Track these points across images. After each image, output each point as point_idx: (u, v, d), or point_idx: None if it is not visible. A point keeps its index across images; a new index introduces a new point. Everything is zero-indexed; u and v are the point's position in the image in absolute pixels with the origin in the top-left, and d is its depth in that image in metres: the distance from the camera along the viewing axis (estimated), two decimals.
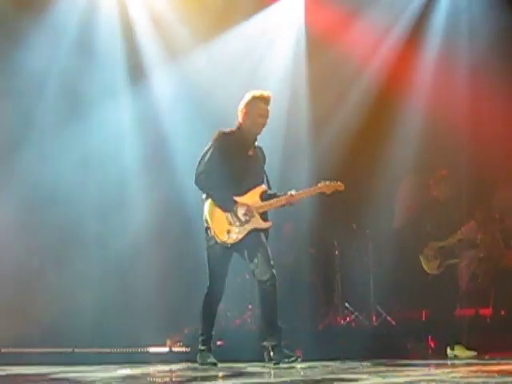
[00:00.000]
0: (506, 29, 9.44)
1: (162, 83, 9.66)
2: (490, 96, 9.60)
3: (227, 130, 6.49)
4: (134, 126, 9.47)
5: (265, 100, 6.47)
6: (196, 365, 6.28)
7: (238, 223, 6.25)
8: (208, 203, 6.32)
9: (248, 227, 6.26)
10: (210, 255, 6.37)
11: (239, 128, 6.50)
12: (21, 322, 8.41)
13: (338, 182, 6.54)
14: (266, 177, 6.57)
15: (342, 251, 9.90)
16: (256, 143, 6.57)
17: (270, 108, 6.49)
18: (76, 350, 8.18)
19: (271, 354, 6.15)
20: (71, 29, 9.18)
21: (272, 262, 6.24)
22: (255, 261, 6.21)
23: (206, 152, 6.38)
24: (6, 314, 8.43)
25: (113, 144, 9.21)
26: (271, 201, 6.42)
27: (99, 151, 9.15)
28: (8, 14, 8.78)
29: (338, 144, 9.91)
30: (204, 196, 6.38)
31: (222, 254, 6.30)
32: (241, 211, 6.24)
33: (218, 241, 6.23)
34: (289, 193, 6.42)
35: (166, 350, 8.41)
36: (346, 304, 9.65)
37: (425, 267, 8.40)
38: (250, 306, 9.23)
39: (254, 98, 6.46)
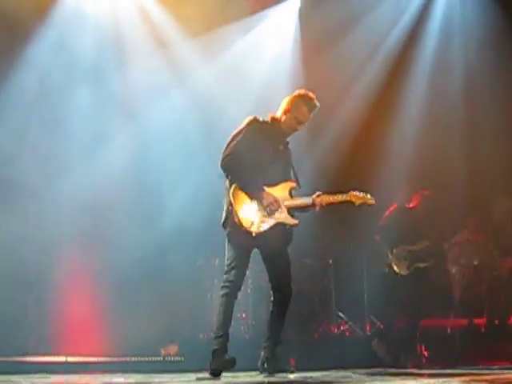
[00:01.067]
0: (498, 29, 9.50)
1: (153, 102, 9.65)
2: (485, 100, 9.65)
3: (261, 118, 6.17)
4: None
5: (311, 107, 6.16)
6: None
7: (264, 213, 5.93)
8: (232, 189, 5.93)
9: (274, 220, 5.96)
10: (232, 244, 5.98)
11: (274, 120, 6.20)
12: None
13: (369, 195, 6.16)
14: (296, 175, 6.26)
15: (336, 261, 9.91)
16: (287, 140, 6.31)
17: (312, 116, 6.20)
18: (69, 359, 8.16)
19: (265, 364, 6.08)
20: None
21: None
22: (277, 268, 6.07)
23: (236, 135, 6.04)
24: None
25: None
26: (300, 199, 6.11)
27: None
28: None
29: (333, 151, 9.93)
30: (227, 183, 6.00)
31: (244, 243, 5.95)
32: (267, 201, 5.93)
33: (242, 228, 5.86)
34: (315, 194, 6.10)
35: (159, 358, 8.40)
36: (340, 313, 9.65)
37: (395, 267, 8.81)
38: (243, 315, 9.21)
39: (302, 100, 6.17)
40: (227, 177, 6.02)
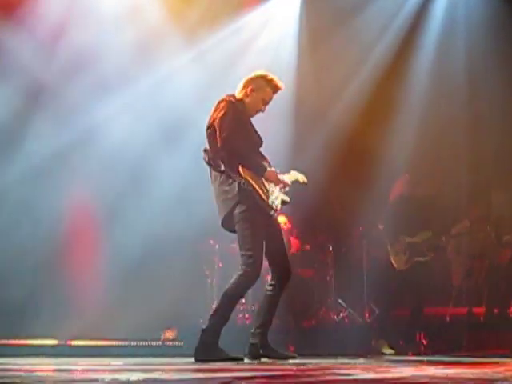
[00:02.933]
0: (502, 19, 9.48)
1: (150, 88, 9.59)
2: (487, 95, 9.63)
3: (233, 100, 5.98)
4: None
5: (274, 88, 6.03)
6: None
7: (272, 190, 5.84)
8: (242, 169, 5.73)
9: (280, 198, 5.91)
10: (254, 223, 5.75)
11: (243, 104, 6.00)
12: None
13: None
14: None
15: (336, 247, 9.92)
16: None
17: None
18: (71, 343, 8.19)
19: (261, 350, 5.88)
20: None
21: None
22: (274, 243, 5.93)
23: (224, 115, 5.81)
24: None
25: None
26: (291, 176, 6.07)
27: None
28: None
29: (333, 140, 9.92)
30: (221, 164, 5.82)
31: (263, 222, 5.81)
32: (276, 178, 5.87)
33: (267, 205, 5.75)
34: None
35: (159, 343, 8.41)
36: (339, 300, 9.67)
37: (392, 261, 8.41)
38: (243, 301, 9.20)
39: (265, 81, 6.02)
40: (229, 158, 5.78)
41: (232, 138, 5.76)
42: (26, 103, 8.85)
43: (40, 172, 8.80)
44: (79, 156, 9.16)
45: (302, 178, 6.14)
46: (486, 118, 9.86)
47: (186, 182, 8.76)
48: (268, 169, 5.88)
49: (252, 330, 5.95)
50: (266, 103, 6.06)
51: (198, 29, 9.51)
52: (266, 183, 5.83)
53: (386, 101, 10.15)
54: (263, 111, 6.09)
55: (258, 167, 5.83)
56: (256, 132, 6.05)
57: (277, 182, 5.89)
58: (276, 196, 5.86)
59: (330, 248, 9.88)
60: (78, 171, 9.10)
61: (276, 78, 6.05)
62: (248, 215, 5.74)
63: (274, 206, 5.81)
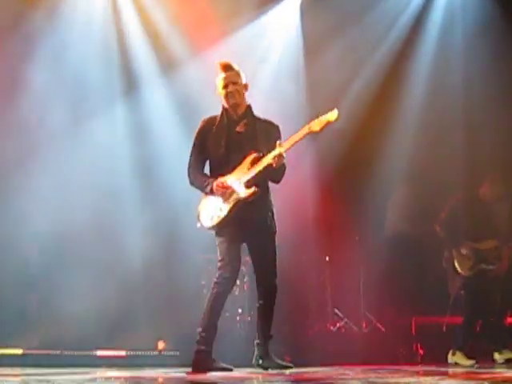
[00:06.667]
0: (499, 21, 9.51)
1: (157, 94, 9.65)
2: (484, 102, 9.63)
3: (211, 116, 6.10)
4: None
5: (222, 67, 5.98)
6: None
7: (222, 203, 5.87)
8: (202, 198, 6.01)
9: (231, 202, 5.85)
10: (222, 237, 5.90)
11: (222, 108, 6.05)
12: None
13: (329, 113, 5.84)
14: (266, 145, 5.90)
15: (333, 257, 9.90)
16: (255, 117, 6.07)
17: (234, 73, 5.97)
18: (65, 353, 8.14)
19: (260, 361, 6.00)
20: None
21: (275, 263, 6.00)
22: (258, 256, 6.01)
23: (192, 147, 6.12)
24: None
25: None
26: (256, 164, 5.85)
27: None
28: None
29: (332, 149, 9.90)
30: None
31: (232, 234, 5.88)
32: (217, 190, 5.85)
33: (204, 228, 5.96)
34: (277, 142, 5.78)
35: (155, 353, 8.38)
36: (336, 310, 9.64)
37: (456, 265, 8.09)
38: (239, 311, 9.18)
39: (217, 75, 6.01)
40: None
41: (188, 172, 6.06)
42: None
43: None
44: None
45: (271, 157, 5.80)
46: (485, 119, 9.78)
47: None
48: (209, 179, 5.93)
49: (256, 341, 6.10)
50: (227, 85, 5.95)
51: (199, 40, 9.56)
52: (214, 198, 5.90)
53: (384, 109, 10.15)
54: (237, 99, 5.97)
55: (204, 188, 5.95)
56: (232, 137, 5.95)
57: (222, 194, 5.86)
58: (221, 208, 5.86)
59: (327, 258, 9.86)
60: (81, 176, 9.07)
61: (218, 63, 6.02)
62: (216, 231, 5.93)
63: (211, 224, 5.89)
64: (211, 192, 5.87)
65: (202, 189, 5.96)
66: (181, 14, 9.50)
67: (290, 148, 5.78)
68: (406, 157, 9.77)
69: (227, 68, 5.98)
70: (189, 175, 6.06)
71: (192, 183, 6.06)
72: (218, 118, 6.04)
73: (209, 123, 6.06)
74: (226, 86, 5.96)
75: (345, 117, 9.97)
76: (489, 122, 9.51)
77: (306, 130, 5.81)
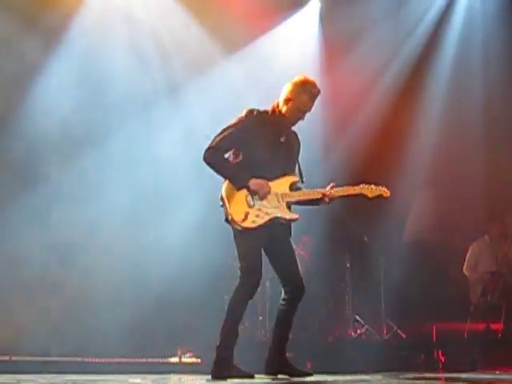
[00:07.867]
0: None
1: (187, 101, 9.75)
2: (504, 108, 9.61)
3: (260, 109, 5.77)
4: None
5: (311, 95, 5.74)
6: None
7: (258, 206, 5.61)
8: (225, 184, 5.68)
9: (270, 214, 5.63)
10: (243, 239, 5.61)
11: (274, 111, 5.81)
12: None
13: (384, 188, 5.83)
14: (299, 168, 5.84)
15: (353, 264, 9.90)
16: (293, 128, 5.90)
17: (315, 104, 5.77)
18: (86, 360, 8.19)
19: (276, 366, 5.82)
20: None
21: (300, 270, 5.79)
22: (280, 259, 5.78)
23: (226, 129, 5.71)
24: None
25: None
26: (302, 191, 5.74)
27: None
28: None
29: (350, 156, 9.91)
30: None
31: (255, 237, 5.59)
32: (255, 186, 5.59)
33: (234, 222, 5.58)
34: (329, 186, 5.72)
35: (175, 360, 8.41)
36: (357, 317, 9.64)
37: None
38: (260, 318, 9.21)
39: (302, 88, 5.74)
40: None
41: (211, 151, 5.67)
42: None
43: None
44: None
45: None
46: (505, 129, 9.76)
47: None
48: (250, 180, 5.62)
49: (269, 346, 5.93)
50: (302, 112, 5.77)
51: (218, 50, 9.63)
52: (249, 197, 5.64)
53: (404, 112, 10.15)
54: (302, 119, 5.81)
55: (236, 180, 5.65)
56: (277, 144, 5.77)
57: (263, 194, 5.64)
58: (257, 214, 5.62)
59: (348, 265, 9.87)
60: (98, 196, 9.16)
61: (312, 82, 5.79)
62: (236, 232, 5.68)
63: (246, 226, 5.59)
64: (243, 186, 5.63)
65: (232, 177, 5.65)
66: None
67: (338, 197, 5.79)
68: (426, 165, 9.76)
69: (316, 98, 5.80)
70: (212, 154, 5.66)
71: (214, 165, 5.69)
72: (268, 119, 5.81)
73: (259, 119, 5.76)
74: (301, 112, 5.78)
75: (364, 124, 10.10)
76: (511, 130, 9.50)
77: (360, 189, 5.81)
